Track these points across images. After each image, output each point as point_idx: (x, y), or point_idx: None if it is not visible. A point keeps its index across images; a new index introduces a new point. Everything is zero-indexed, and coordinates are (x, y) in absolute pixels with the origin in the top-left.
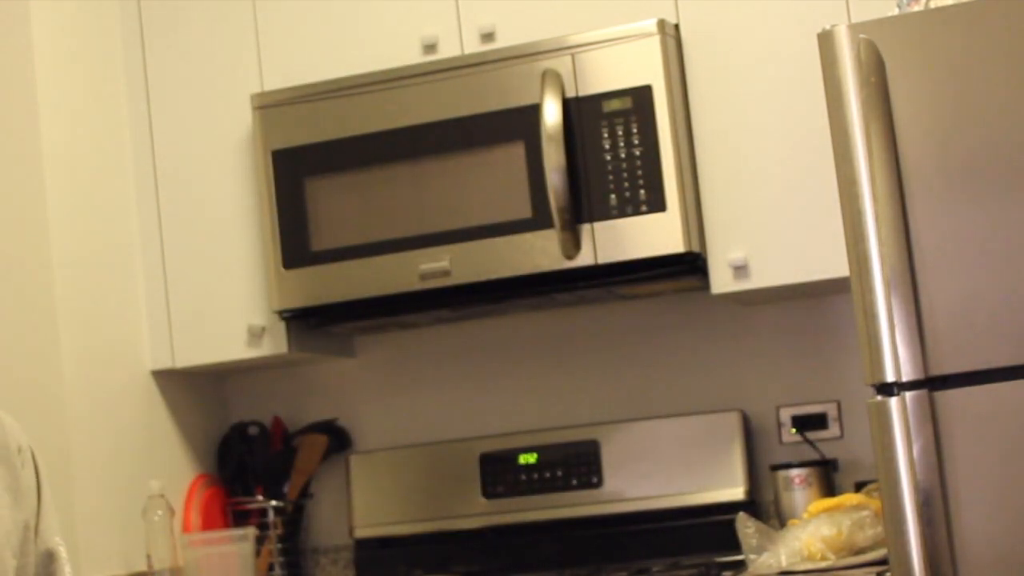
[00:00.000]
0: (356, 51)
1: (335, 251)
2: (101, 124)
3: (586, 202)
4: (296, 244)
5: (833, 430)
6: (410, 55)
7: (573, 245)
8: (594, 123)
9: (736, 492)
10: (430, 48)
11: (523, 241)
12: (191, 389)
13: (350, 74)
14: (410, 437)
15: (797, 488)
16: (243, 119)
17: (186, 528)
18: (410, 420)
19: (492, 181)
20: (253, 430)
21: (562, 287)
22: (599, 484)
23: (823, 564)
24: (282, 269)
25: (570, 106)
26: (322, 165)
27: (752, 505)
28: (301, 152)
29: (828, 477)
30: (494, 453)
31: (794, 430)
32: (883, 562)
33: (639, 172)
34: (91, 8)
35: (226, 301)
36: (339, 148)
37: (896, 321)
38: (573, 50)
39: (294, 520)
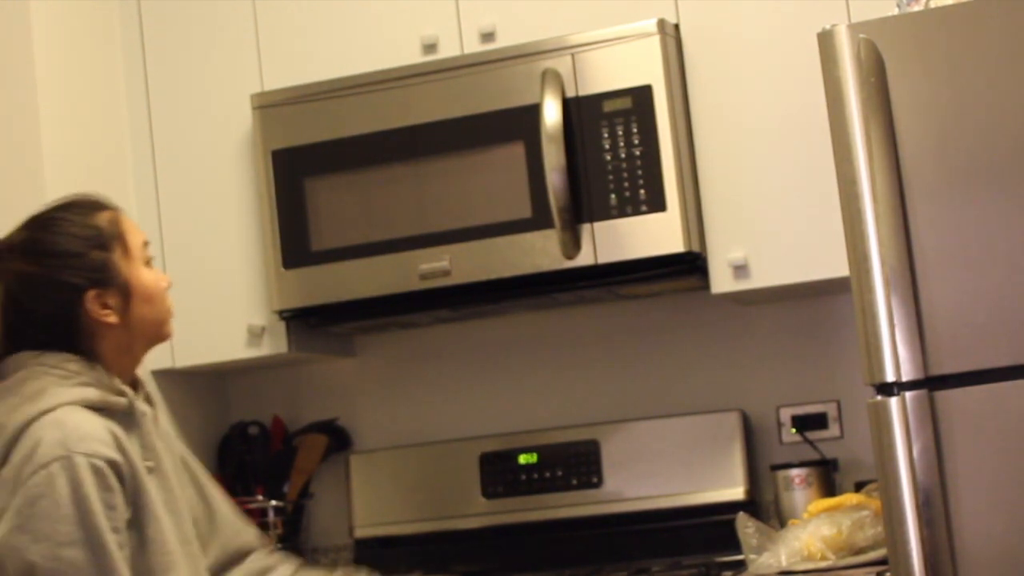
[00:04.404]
0: (356, 51)
1: (335, 251)
2: (101, 124)
3: (586, 202)
4: (296, 244)
5: (833, 430)
6: (410, 55)
7: (573, 245)
8: (594, 123)
9: (736, 492)
10: (430, 48)
11: (523, 241)
12: (191, 389)
13: (350, 74)
14: (410, 437)
15: (797, 488)
16: (243, 119)
17: None
18: (410, 420)
19: (492, 181)
20: (253, 430)
21: (562, 287)
22: (599, 484)
23: (823, 564)
24: (282, 269)
25: (570, 106)
26: (322, 165)
27: (752, 505)
28: (301, 152)
29: (828, 477)
30: (494, 453)
31: (794, 430)
32: (883, 562)
33: (639, 172)
34: (91, 8)
35: (226, 301)
36: (339, 148)
37: (896, 321)
38: (573, 50)
39: (294, 520)
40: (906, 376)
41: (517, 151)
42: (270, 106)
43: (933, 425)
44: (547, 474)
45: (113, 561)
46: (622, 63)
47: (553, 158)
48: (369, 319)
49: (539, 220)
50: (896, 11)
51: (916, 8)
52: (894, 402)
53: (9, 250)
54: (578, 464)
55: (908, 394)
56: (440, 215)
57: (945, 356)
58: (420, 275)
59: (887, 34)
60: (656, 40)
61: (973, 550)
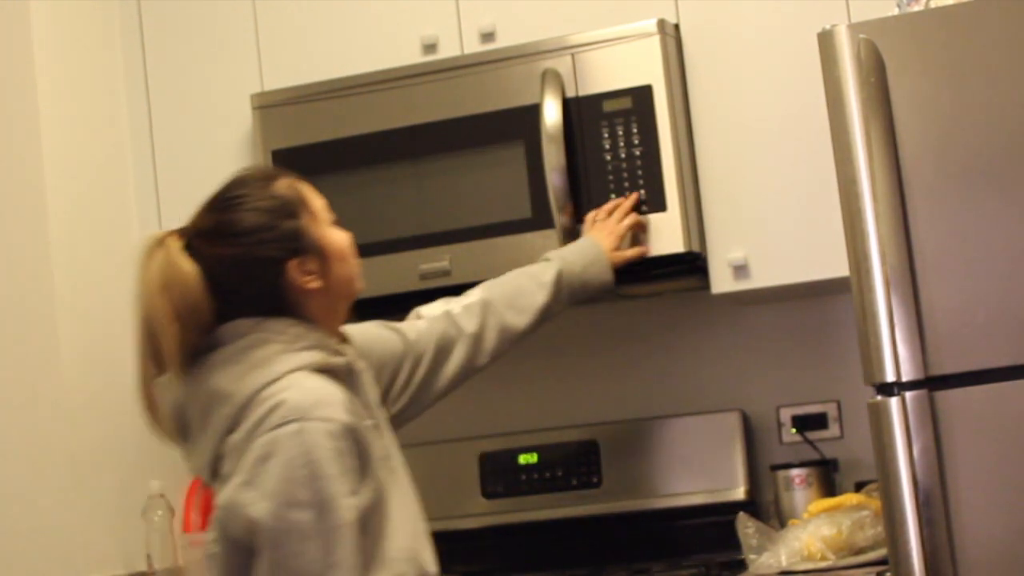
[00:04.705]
0: (356, 51)
1: None
2: (101, 124)
3: (586, 202)
4: None
5: (833, 430)
6: (410, 55)
7: None
8: (594, 123)
9: (736, 492)
10: (430, 48)
11: (523, 241)
12: None
13: (350, 74)
14: (410, 437)
15: (797, 488)
16: (243, 119)
17: (186, 528)
18: None
19: (492, 181)
20: None
21: None
22: (599, 484)
23: (823, 564)
24: None
25: (570, 106)
26: (322, 165)
27: (752, 505)
28: (301, 152)
29: (828, 477)
30: (494, 453)
31: (794, 430)
32: (883, 562)
33: (639, 172)
34: (91, 8)
35: None
36: (339, 148)
37: (896, 321)
38: (573, 50)
39: None
40: (906, 376)
41: (517, 151)
42: (270, 106)
43: (933, 425)
44: (547, 474)
45: (340, 528)
46: (622, 63)
47: (553, 158)
48: (369, 319)
49: (539, 220)
50: (896, 11)
51: (916, 8)
52: (894, 402)
53: (198, 235)
54: (578, 464)
55: (908, 394)
56: (440, 215)
57: (945, 356)
58: (420, 275)
59: (887, 34)
60: (656, 40)
61: (973, 550)
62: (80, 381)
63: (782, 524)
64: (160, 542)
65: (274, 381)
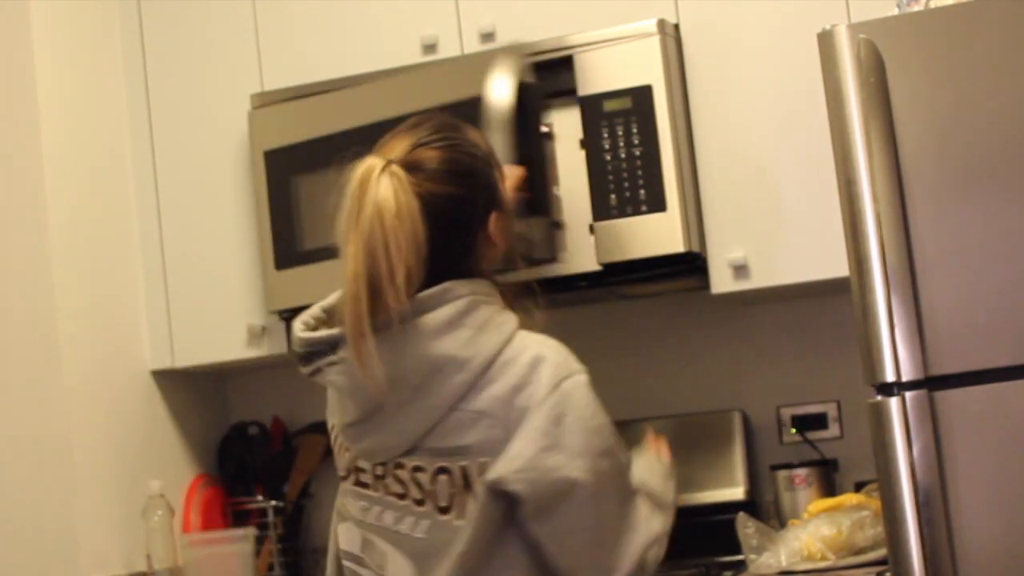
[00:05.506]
0: (356, 51)
1: (326, 250)
2: (101, 124)
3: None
4: (287, 244)
5: (833, 430)
6: (410, 55)
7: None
8: (594, 123)
9: (736, 492)
10: (430, 48)
11: None
12: (191, 389)
13: (350, 74)
14: None
15: (797, 488)
16: (243, 119)
17: (186, 528)
18: None
19: None
20: (253, 430)
21: (562, 287)
22: None
23: (823, 564)
24: (274, 270)
25: None
26: (313, 162)
27: (752, 505)
28: (297, 151)
29: (828, 477)
30: None
31: (794, 430)
32: (883, 562)
33: (639, 172)
34: (91, 8)
35: (226, 301)
36: (331, 144)
37: (896, 321)
38: (573, 50)
39: (294, 520)
40: (906, 376)
41: None
42: (270, 106)
43: (933, 425)
44: None
45: (626, 466)
46: (622, 63)
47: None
48: None
49: None
50: (896, 11)
51: (916, 8)
52: (894, 402)
53: (411, 169)
54: None
55: (908, 394)
56: None
57: (945, 356)
58: None
59: (887, 34)
60: (656, 40)
61: (973, 550)
62: (80, 381)
63: (782, 524)
64: (160, 542)
65: (508, 342)
